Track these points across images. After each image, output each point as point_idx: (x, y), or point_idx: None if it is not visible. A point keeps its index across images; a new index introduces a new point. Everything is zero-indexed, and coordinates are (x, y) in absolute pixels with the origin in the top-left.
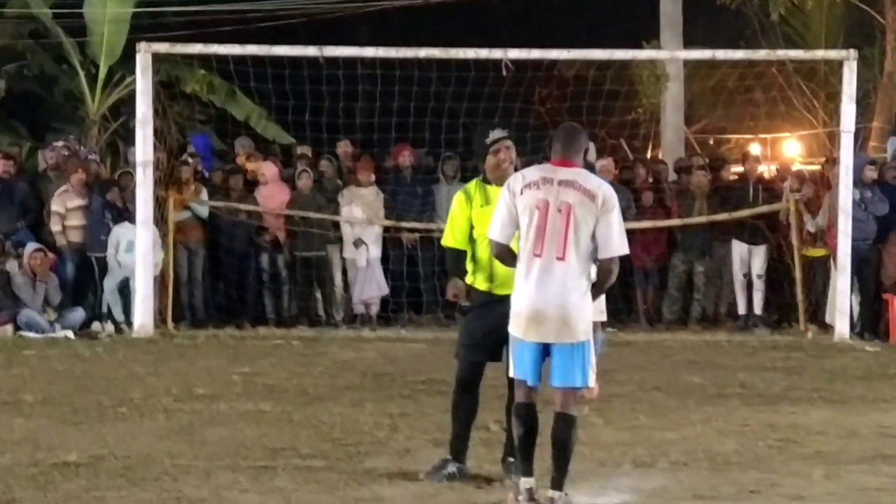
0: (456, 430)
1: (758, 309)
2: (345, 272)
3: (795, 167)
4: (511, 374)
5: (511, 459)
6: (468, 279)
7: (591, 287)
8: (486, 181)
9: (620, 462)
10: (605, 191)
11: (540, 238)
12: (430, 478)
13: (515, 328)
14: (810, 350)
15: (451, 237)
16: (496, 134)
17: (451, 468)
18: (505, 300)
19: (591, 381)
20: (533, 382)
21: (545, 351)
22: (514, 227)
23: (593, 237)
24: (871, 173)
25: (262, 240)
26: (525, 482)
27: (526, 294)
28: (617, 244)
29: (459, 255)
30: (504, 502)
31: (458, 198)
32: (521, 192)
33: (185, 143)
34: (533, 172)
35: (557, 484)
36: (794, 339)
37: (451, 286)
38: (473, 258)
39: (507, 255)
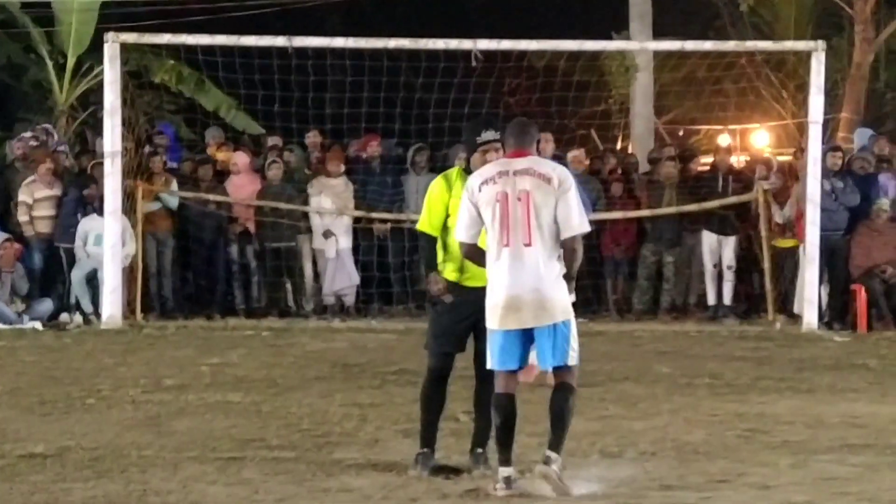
0: (425, 420)
1: (727, 299)
2: (315, 263)
3: (766, 154)
4: (489, 367)
5: (479, 450)
6: (438, 267)
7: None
8: (468, 172)
9: (589, 452)
10: (560, 172)
11: (504, 228)
12: (420, 472)
13: (492, 320)
14: (779, 340)
15: (428, 223)
16: (488, 135)
17: (424, 464)
18: (474, 291)
19: (572, 360)
20: (512, 367)
21: (527, 337)
22: (479, 226)
23: (556, 219)
24: (835, 160)
25: (232, 230)
26: (503, 471)
27: (500, 284)
28: (577, 223)
29: (434, 242)
30: (475, 492)
31: (439, 184)
32: (480, 190)
33: (152, 133)
34: (489, 169)
35: (555, 446)
36: (762, 329)
37: (433, 280)
38: (445, 247)
39: (476, 254)
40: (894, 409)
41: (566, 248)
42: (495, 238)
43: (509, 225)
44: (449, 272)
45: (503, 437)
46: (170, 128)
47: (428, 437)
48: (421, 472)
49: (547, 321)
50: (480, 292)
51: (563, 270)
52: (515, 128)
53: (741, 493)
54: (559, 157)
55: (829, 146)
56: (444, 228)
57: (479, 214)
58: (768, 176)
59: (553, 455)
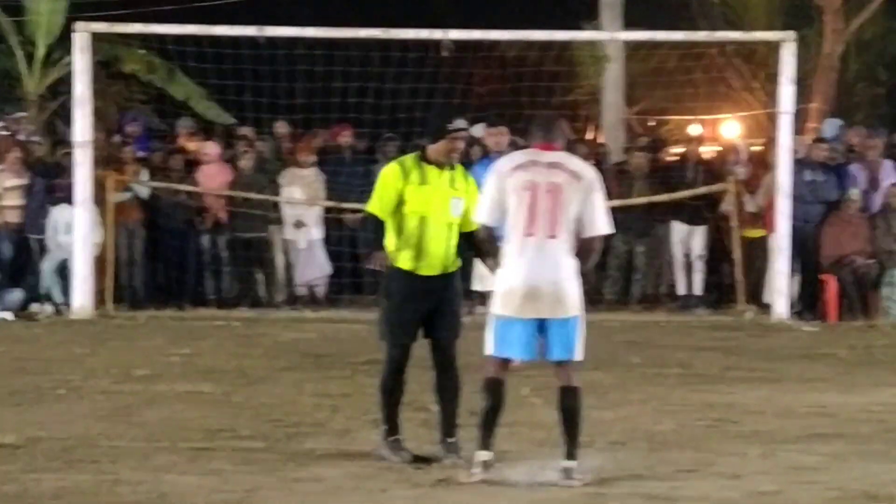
0: (388, 410)
1: (697, 289)
2: (286, 253)
3: (737, 140)
4: (488, 352)
5: (451, 440)
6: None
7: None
8: (425, 160)
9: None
10: (590, 172)
11: (531, 218)
12: (396, 460)
13: (506, 306)
14: (749, 330)
15: (379, 206)
16: (461, 123)
17: (403, 448)
18: (429, 280)
19: (579, 355)
20: (525, 357)
21: (538, 328)
22: (502, 211)
23: (578, 217)
24: (820, 152)
25: (202, 222)
26: (482, 454)
27: (520, 272)
28: (601, 223)
29: (381, 225)
30: (446, 481)
31: (393, 169)
32: (510, 174)
33: (123, 123)
34: (520, 156)
35: (571, 455)
36: (733, 319)
37: (376, 258)
38: (399, 234)
39: (491, 239)
40: (862, 399)
41: (587, 246)
42: (519, 226)
43: (536, 215)
44: (403, 260)
45: (488, 422)
46: (142, 118)
47: (395, 425)
48: (404, 457)
49: (561, 314)
50: (435, 280)
51: (578, 267)
52: (543, 121)
53: (710, 482)
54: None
55: (814, 138)
56: (400, 215)
57: (504, 200)
58: (738, 161)
59: (572, 465)
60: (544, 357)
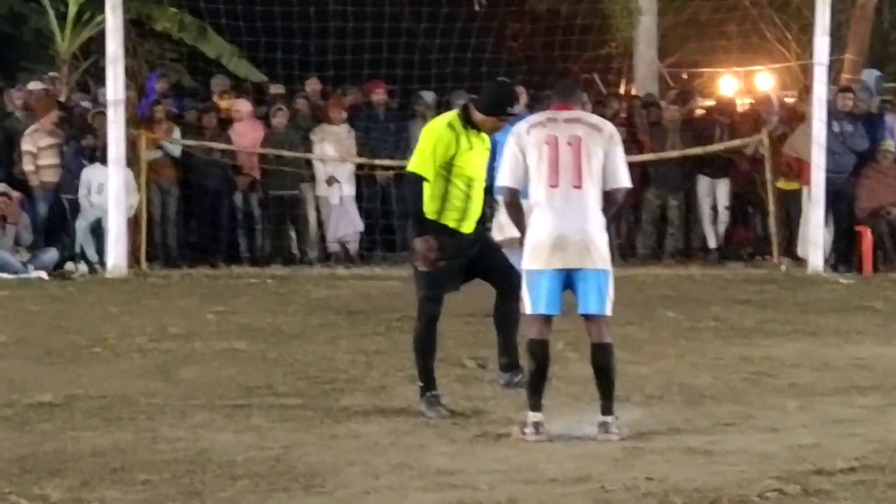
0: (425, 363)
1: (721, 241)
2: (318, 210)
3: (771, 92)
4: (528, 312)
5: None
6: (431, 214)
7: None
8: (469, 122)
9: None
10: (610, 126)
11: (554, 170)
12: (434, 416)
13: (535, 260)
14: (784, 283)
15: (430, 166)
16: (517, 109)
17: (440, 404)
18: (468, 237)
19: (609, 310)
20: (554, 312)
21: (566, 281)
22: (524, 171)
23: (602, 169)
24: (846, 101)
25: (240, 182)
26: (533, 416)
27: (547, 223)
28: (624, 176)
29: (422, 187)
30: (484, 437)
31: (446, 133)
32: (528, 133)
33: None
34: (537, 116)
35: (607, 410)
36: (767, 272)
37: (423, 242)
38: (444, 196)
39: (517, 204)
40: None
41: (612, 199)
42: (542, 179)
43: (559, 167)
44: (449, 220)
45: (535, 384)
46: (154, 74)
47: (431, 380)
48: (442, 413)
49: (589, 265)
50: (471, 236)
51: (605, 221)
52: (562, 85)
53: (749, 435)
54: None
55: (840, 87)
56: (445, 178)
57: (525, 159)
58: (771, 112)
59: (609, 419)
60: (578, 310)
